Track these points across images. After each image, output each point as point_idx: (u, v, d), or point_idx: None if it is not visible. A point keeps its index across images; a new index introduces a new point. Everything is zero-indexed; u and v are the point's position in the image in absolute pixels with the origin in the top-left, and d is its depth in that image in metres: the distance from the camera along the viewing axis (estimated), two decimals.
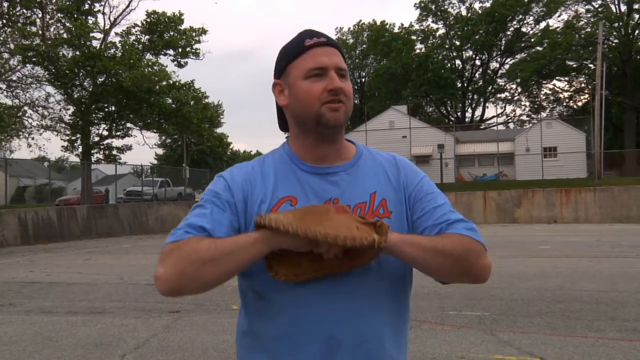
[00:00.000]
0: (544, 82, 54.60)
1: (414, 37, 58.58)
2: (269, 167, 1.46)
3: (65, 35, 29.99)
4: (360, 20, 65.51)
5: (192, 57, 33.19)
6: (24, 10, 30.76)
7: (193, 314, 7.31)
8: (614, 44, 46.78)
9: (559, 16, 52.07)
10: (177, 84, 32.22)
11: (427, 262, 1.32)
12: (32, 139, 34.67)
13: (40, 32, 30.30)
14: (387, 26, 59.88)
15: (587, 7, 49.27)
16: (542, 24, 53.69)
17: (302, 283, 1.33)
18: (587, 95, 50.92)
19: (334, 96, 1.37)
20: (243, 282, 1.45)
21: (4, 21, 30.45)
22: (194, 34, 32.44)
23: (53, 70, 29.55)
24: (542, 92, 57.16)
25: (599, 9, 48.27)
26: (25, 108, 32.93)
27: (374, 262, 1.32)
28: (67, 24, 29.81)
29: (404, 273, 1.43)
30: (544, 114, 54.67)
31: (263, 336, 1.40)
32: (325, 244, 1.22)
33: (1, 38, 31.04)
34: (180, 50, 32.66)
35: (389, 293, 1.40)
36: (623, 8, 47.25)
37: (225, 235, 1.32)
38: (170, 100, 31.47)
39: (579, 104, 54.53)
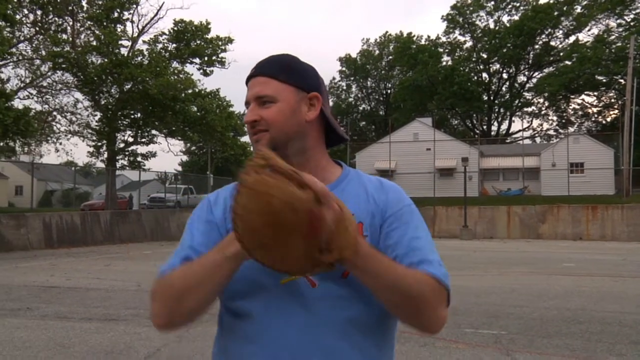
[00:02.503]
0: (572, 96, 53.96)
1: (440, 50, 58.42)
2: None
3: (94, 43, 30.51)
4: (387, 32, 65.50)
5: (217, 65, 33.52)
6: (56, 18, 31.43)
7: (207, 324, 7.23)
8: None
9: (589, 30, 51.58)
10: (202, 92, 32.55)
11: (381, 291, 1.23)
12: (60, 144, 35.35)
13: (70, 39, 30.90)
14: (414, 38, 59.80)
15: (618, 21, 48.68)
16: (572, 38, 53.23)
17: (274, 313, 1.29)
18: (616, 111, 50.13)
19: (251, 128, 1.39)
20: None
21: (37, 29, 31.12)
22: (220, 42, 32.78)
23: (81, 76, 30.07)
24: (570, 107, 56.51)
25: (631, 23, 47.59)
26: (54, 113, 33.57)
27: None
28: (97, 32, 30.34)
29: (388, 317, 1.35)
30: (571, 129, 53.97)
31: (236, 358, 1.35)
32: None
33: (33, 45, 31.73)
34: (206, 58, 33.02)
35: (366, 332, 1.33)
36: None
37: (203, 249, 1.33)
38: (195, 108, 31.78)
39: (608, 119, 53.75)
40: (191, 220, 1.43)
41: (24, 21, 30.37)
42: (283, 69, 1.40)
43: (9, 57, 28.58)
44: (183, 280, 1.26)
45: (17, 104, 27.73)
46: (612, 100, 52.47)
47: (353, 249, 1.14)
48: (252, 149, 1.41)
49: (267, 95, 1.37)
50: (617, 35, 48.24)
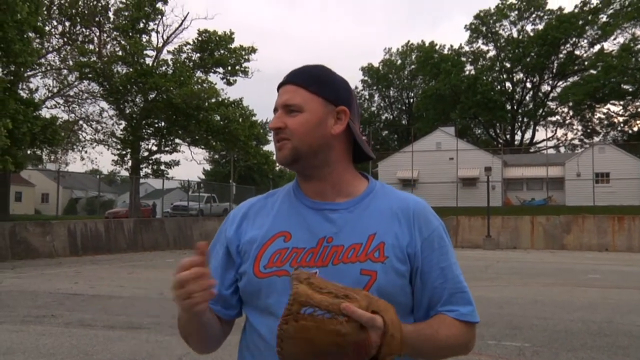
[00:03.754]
0: (597, 105, 53.26)
1: (463, 59, 58.16)
2: (274, 201, 1.47)
3: (120, 53, 30.97)
4: (409, 41, 65.40)
5: (241, 75, 33.79)
6: (84, 29, 32.02)
7: (230, 333, 7.28)
8: None
9: (614, 39, 50.91)
10: (225, 101, 32.80)
11: (424, 356, 1.34)
12: (86, 152, 35.86)
13: (97, 49, 31.41)
14: (437, 47, 59.64)
15: None
16: (597, 47, 52.58)
17: None
18: None
19: (276, 136, 1.39)
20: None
21: (65, 39, 31.71)
22: (243, 52, 33.05)
23: (107, 86, 30.55)
24: (596, 117, 55.77)
25: None
26: (80, 122, 34.09)
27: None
28: (122, 42, 30.81)
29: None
30: (596, 139, 53.24)
31: None
32: None
33: (61, 55, 32.33)
34: (229, 68, 33.30)
35: None
36: None
37: (225, 279, 1.44)
38: (218, 117, 32.03)
39: (635, 128, 52.90)
40: (213, 243, 1.49)
41: (53, 32, 30.97)
42: (314, 80, 1.39)
43: (37, 67, 29.17)
44: (181, 328, 1.40)
45: (45, 113, 28.24)
46: (639, 110, 51.66)
47: (399, 348, 1.18)
48: (274, 155, 1.43)
49: (294, 104, 1.37)
50: None
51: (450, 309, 1.35)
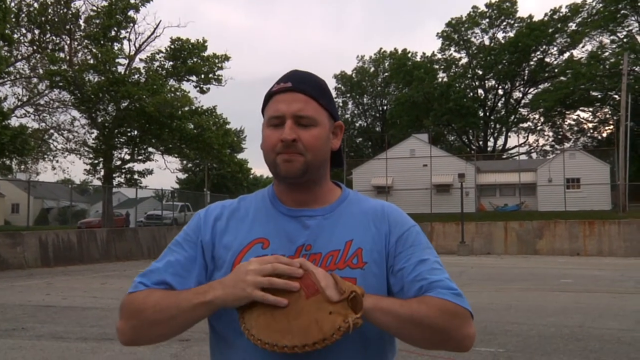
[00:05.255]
0: (567, 112, 54.27)
1: (436, 66, 58.78)
2: (248, 207, 1.43)
3: (91, 61, 30.62)
4: (382, 49, 65.90)
5: (214, 83, 33.64)
6: (53, 37, 31.57)
7: (203, 343, 7.21)
8: (639, 75, 46.35)
9: (583, 47, 52.02)
10: (199, 109, 32.63)
11: (402, 331, 1.24)
12: (57, 161, 35.27)
13: (67, 57, 30.99)
14: (409, 55, 60.16)
15: (612, 37, 49.12)
16: (566, 55, 53.62)
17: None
18: (611, 126, 50.38)
19: (286, 148, 1.31)
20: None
21: (35, 47, 31.24)
22: (216, 60, 32.92)
23: (79, 94, 30.15)
24: (566, 123, 56.80)
25: (624, 40, 48.01)
26: (51, 131, 33.57)
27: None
28: (94, 50, 30.45)
29: (381, 334, 1.32)
30: (567, 145, 54.17)
31: None
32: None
33: (31, 64, 31.84)
34: (202, 76, 33.14)
35: (363, 356, 1.31)
36: None
37: (181, 279, 1.34)
38: (191, 126, 31.83)
39: (604, 135, 54.00)
40: (180, 238, 1.41)
41: (22, 40, 30.50)
42: (322, 93, 1.37)
43: (6, 75, 28.67)
44: (155, 311, 1.26)
45: (14, 122, 27.73)
46: (607, 116, 52.75)
47: (360, 289, 1.18)
48: (278, 168, 1.34)
49: (309, 117, 1.32)
50: (610, 51, 48.64)
51: (431, 294, 1.28)
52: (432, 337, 1.24)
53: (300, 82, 1.35)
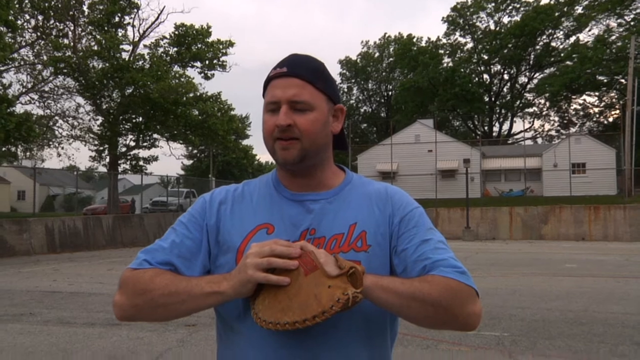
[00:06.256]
0: (573, 97, 53.93)
1: (441, 51, 58.42)
2: (252, 192, 1.43)
3: (95, 48, 30.56)
4: (386, 34, 65.51)
5: (218, 69, 33.58)
6: (57, 23, 31.51)
7: (210, 328, 7.27)
8: None
9: (589, 30, 51.60)
10: (203, 95, 32.59)
11: (404, 309, 1.23)
12: (62, 148, 35.38)
13: (71, 44, 30.95)
14: (414, 40, 59.81)
15: (619, 21, 48.61)
16: (572, 39, 53.19)
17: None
18: (618, 111, 50.07)
19: (281, 133, 1.31)
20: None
21: (38, 34, 31.20)
22: (221, 46, 32.83)
23: (83, 81, 30.14)
24: (572, 107, 56.47)
25: (631, 23, 47.57)
26: (56, 118, 33.63)
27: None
28: (98, 37, 30.39)
29: (382, 314, 1.33)
30: (573, 130, 53.91)
31: None
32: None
33: (35, 50, 31.81)
34: (207, 62, 33.07)
35: (364, 336, 1.32)
36: None
37: (187, 262, 1.34)
38: (196, 112, 31.82)
39: (610, 119, 53.68)
40: (185, 219, 1.41)
41: (26, 26, 30.44)
42: (318, 76, 1.36)
43: (10, 62, 28.64)
44: (164, 294, 1.26)
45: (19, 109, 27.80)
46: (614, 101, 52.42)
47: (359, 265, 1.19)
48: (276, 154, 1.34)
49: (304, 102, 1.32)
50: (617, 35, 48.21)
51: (434, 272, 1.27)
52: (436, 316, 1.23)
53: (295, 67, 1.34)
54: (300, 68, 1.34)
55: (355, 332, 1.30)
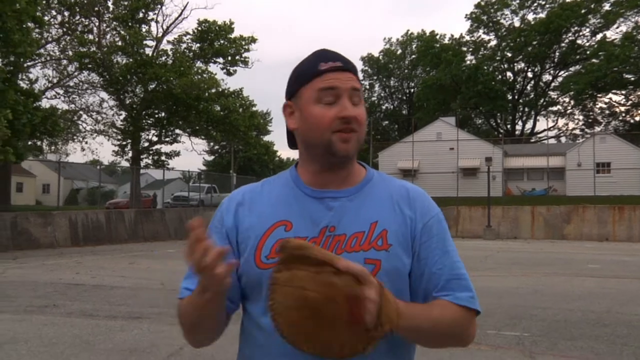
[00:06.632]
0: (599, 95, 53.12)
1: (464, 49, 57.89)
2: (271, 190, 1.42)
3: (119, 43, 30.89)
4: (409, 31, 65.10)
5: (241, 65, 33.70)
6: (83, 19, 31.90)
7: (230, 323, 7.31)
8: None
9: (617, 28, 50.68)
10: (225, 91, 32.75)
11: (420, 341, 1.31)
12: (86, 142, 35.83)
13: (96, 39, 31.32)
14: (437, 37, 59.39)
15: None
16: (599, 36, 52.31)
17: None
18: None
19: (346, 124, 1.30)
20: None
21: (64, 29, 31.61)
22: (243, 42, 32.95)
23: (107, 76, 30.48)
24: (597, 106, 55.62)
25: None
26: (81, 112, 34.06)
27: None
28: (122, 32, 30.71)
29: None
30: (598, 129, 53.14)
31: None
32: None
33: (61, 46, 32.25)
34: (229, 58, 33.21)
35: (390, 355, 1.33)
36: None
37: None
38: (218, 108, 32.00)
39: (636, 118, 52.82)
40: (209, 230, 1.40)
41: (52, 22, 30.86)
42: (357, 73, 1.39)
43: (37, 58, 29.10)
44: (187, 317, 1.33)
45: (45, 103, 28.23)
46: None
47: (396, 315, 1.17)
48: (333, 147, 1.31)
49: (360, 95, 1.34)
50: None
51: (446, 294, 1.33)
52: (443, 342, 1.34)
53: (347, 62, 1.35)
54: (350, 64, 1.36)
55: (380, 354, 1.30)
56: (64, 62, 32.32)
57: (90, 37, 31.47)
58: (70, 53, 31.43)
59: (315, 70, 1.33)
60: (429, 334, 1.28)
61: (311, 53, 1.41)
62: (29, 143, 31.96)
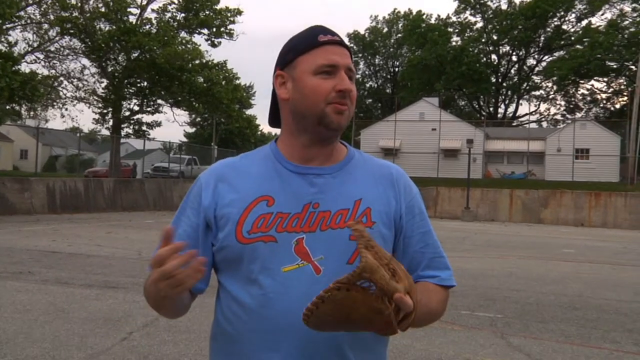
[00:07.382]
0: (581, 81, 53.52)
1: (450, 29, 57.78)
2: (250, 164, 1.39)
3: (102, 9, 30.30)
4: (396, 9, 64.73)
5: (225, 37, 33.32)
6: None
7: (206, 296, 7.24)
8: None
9: (602, 14, 50.84)
10: (209, 63, 32.39)
11: (414, 324, 1.29)
12: (66, 109, 35.29)
13: (79, 4, 30.66)
14: (424, 17, 59.15)
15: (633, 5, 47.80)
16: (584, 22, 52.54)
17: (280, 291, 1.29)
18: (625, 98, 49.71)
19: (342, 98, 1.30)
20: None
21: None
22: (229, 14, 32.52)
23: (89, 43, 29.95)
24: (579, 92, 56.07)
25: None
26: (61, 79, 33.47)
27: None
28: None
29: None
30: (579, 115, 53.62)
31: (233, 339, 1.34)
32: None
33: (42, 9, 31.51)
34: (214, 29, 32.80)
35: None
36: None
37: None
38: (201, 79, 31.66)
39: (617, 106, 53.34)
40: (185, 204, 1.40)
41: None
42: (352, 55, 1.40)
43: (17, 20, 28.40)
44: (148, 298, 1.33)
45: (24, 68, 27.64)
46: (622, 87, 52.00)
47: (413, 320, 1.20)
48: (327, 118, 1.31)
49: (354, 73, 1.34)
50: (631, 20, 47.58)
51: (431, 275, 1.40)
52: (427, 323, 1.38)
53: (340, 39, 1.37)
54: (343, 41, 1.37)
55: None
56: (45, 26, 31.63)
57: (73, 1, 30.79)
58: (52, 17, 30.75)
59: (315, 42, 1.33)
60: (423, 319, 1.32)
61: (307, 27, 1.40)
62: (7, 107, 31.35)
